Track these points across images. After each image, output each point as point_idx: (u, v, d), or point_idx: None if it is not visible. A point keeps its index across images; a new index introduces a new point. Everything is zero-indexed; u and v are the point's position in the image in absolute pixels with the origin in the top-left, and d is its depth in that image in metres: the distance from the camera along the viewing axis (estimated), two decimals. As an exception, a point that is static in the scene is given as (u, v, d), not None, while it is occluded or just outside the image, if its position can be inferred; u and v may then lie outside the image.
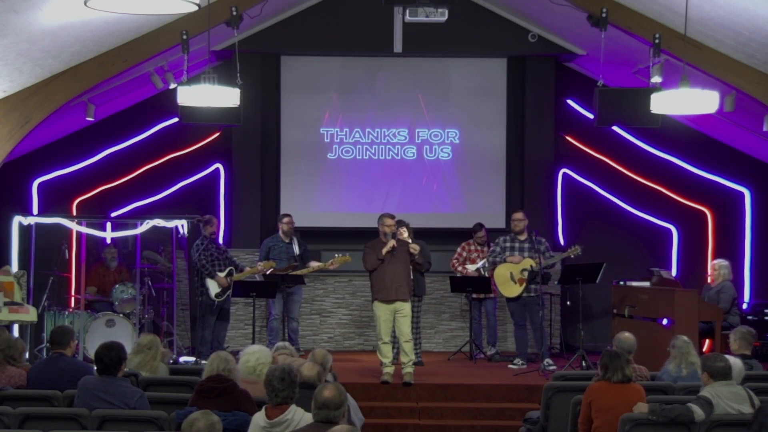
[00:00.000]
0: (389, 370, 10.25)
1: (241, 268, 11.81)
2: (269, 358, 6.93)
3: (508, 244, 11.25)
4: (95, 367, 6.70)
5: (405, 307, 10.22)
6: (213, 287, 11.57)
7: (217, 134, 13.43)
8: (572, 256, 11.09)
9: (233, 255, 12.12)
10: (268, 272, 11.65)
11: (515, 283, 11.06)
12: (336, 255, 11.66)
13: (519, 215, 11.35)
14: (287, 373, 5.69)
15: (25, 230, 11.72)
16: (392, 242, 10.28)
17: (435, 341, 13.00)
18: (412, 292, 10.52)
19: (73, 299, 12.17)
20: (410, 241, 10.52)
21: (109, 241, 12.55)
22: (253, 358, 6.84)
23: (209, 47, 9.74)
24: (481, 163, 13.37)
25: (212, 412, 5.03)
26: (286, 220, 12.04)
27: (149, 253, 12.22)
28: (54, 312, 11.30)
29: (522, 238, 11.20)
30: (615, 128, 12.92)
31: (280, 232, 11.98)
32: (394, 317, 10.19)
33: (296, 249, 11.96)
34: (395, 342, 10.46)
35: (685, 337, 7.95)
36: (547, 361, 10.99)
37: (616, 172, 13.51)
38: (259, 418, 5.71)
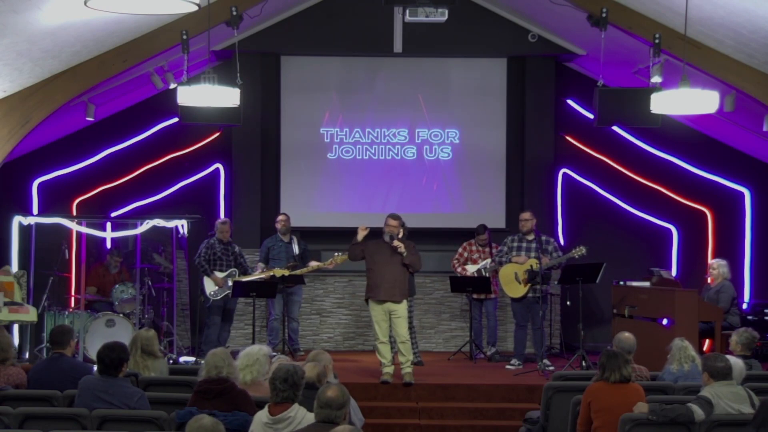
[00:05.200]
0: (389, 370, 10.26)
1: (247, 273, 11.82)
2: (251, 359, 6.88)
3: (515, 244, 11.24)
4: (95, 367, 6.70)
5: (398, 309, 10.20)
6: (208, 285, 11.67)
7: (217, 134, 13.43)
8: (577, 257, 11.07)
9: (247, 258, 12.17)
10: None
11: (519, 283, 11.05)
12: (336, 254, 11.67)
13: (526, 215, 11.32)
14: (291, 375, 5.72)
15: (25, 230, 11.73)
16: (363, 233, 10.26)
17: (435, 341, 13.00)
18: (406, 293, 10.49)
19: (73, 299, 12.17)
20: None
21: (109, 243, 12.55)
22: (248, 376, 6.81)
23: (209, 47, 9.74)
24: (481, 163, 13.36)
25: (209, 415, 5.04)
26: (279, 218, 12.08)
27: (158, 257, 12.24)
28: (54, 312, 11.31)
29: (530, 238, 11.18)
30: (615, 128, 12.93)
31: (278, 232, 12.02)
32: (390, 318, 10.20)
33: (296, 249, 11.98)
34: (394, 342, 10.47)
35: (681, 339, 7.97)
36: (545, 362, 10.98)
37: (616, 172, 13.51)
38: (261, 414, 5.74)
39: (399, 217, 10.47)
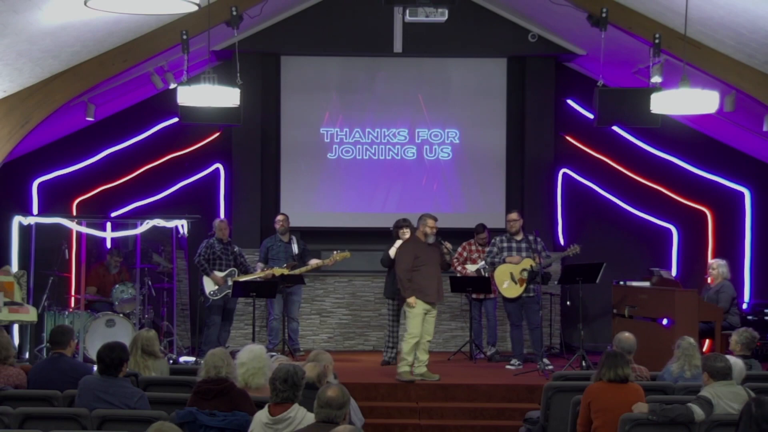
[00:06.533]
0: (409, 368, 10.25)
1: (248, 272, 11.82)
2: (262, 362, 6.80)
3: (505, 245, 11.23)
4: (95, 367, 6.70)
5: (435, 309, 10.49)
6: (208, 284, 11.69)
7: (217, 134, 13.43)
8: (571, 255, 11.09)
9: (247, 259, 12.16)
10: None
11: (515, 283, 11.05)
12: (335, 252, 11.69)
13: (514, 215, 11.32)
14: (291, 375, 5.71)
15: (25, 230, 11.73)
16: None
17: (435, 341, 12.91)
18: None
19: (73, 299, 12.16)
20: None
21: (109, 243, 12.55)
22: (242, 370, 6.75)
23: (209, 47, 9.75)
24: (481, 163, 13.36)
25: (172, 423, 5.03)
26: (278, 218, 12.10)
27: (157, 257, 12.24)
28: (54, 312, 11.30)
29: (518, 238, 11.19)
30: (615, 128, 12.92)
31: (277, 232, 12.03)
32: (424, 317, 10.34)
33: (295, 248, 11.98)
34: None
35: (691, 339, 7.93)
36: (545, 361, 10.96)
37: (616, 172, 13.51)
38: (261, 414, 5.73)
39: (436, 218, 10.59)
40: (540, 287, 11.26)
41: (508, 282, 11.05)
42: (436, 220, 10.51)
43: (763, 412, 5.45)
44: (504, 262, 11.13)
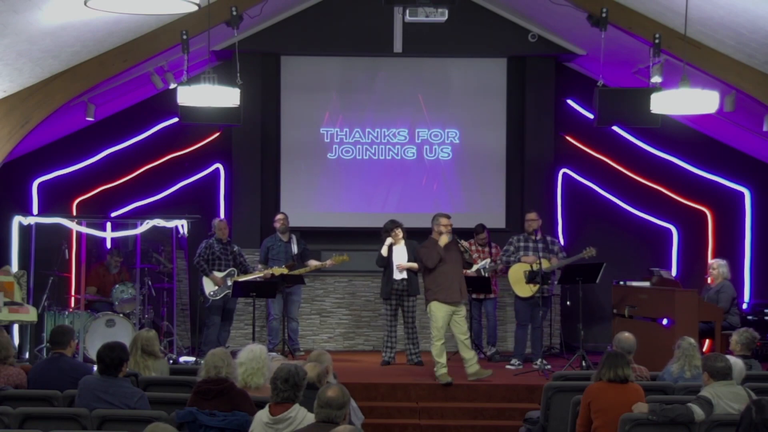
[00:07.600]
0: (445, 370, 10.20)
1: (248, 272, 11.82)
2: (261, 363, 6.80)
3: (522, 244, 11.27)
4: (95, 367, 6.70)
5: (462, 308, 10.40)
6: (208, 285, 11.69)
7: (217, 134, 13.43)
8: (587, 258, 11.09)
9: (247, 258, 12.16)
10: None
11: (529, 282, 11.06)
12: (334, 254, 11.70)
13: (532, 215, 11.37)
14: (292, 375, 5.71)
15: (25, 230, 11.73)
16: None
17: (435, 341, 12.97)
18: None
19: (73, 299, 12.16)
20: (403, 241, 10.96)
21: (109, 243, 12.55)
22: (241, 370, 6.74)
23: (209, 47, 9.75)
24: (481, 163, 13.36)
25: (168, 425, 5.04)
26: (278, 217, 12.10)
27: (157, 256, 12.23)
28: (54, 312, 11.30)
29: (535, 238, 11.21)
30: (615, 128, 12.92)
31: (277, 231, 12.03)
32: (452, 318, 10.25)
33: (295, 248, 11.98)
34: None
35: (691, 340, 7.93)
36: (543, 361, 10.94)
37: (616, 172, 13.51)
38: (262, 414, 5.74)
39: (449, 216, 10.56)
40: (553, 288, 11.27)
41: (521, 281, 11.07)
42: (449, 218, 10.49)
43: (763, 417, 5.44)
44: (519, 261, 11.16)
